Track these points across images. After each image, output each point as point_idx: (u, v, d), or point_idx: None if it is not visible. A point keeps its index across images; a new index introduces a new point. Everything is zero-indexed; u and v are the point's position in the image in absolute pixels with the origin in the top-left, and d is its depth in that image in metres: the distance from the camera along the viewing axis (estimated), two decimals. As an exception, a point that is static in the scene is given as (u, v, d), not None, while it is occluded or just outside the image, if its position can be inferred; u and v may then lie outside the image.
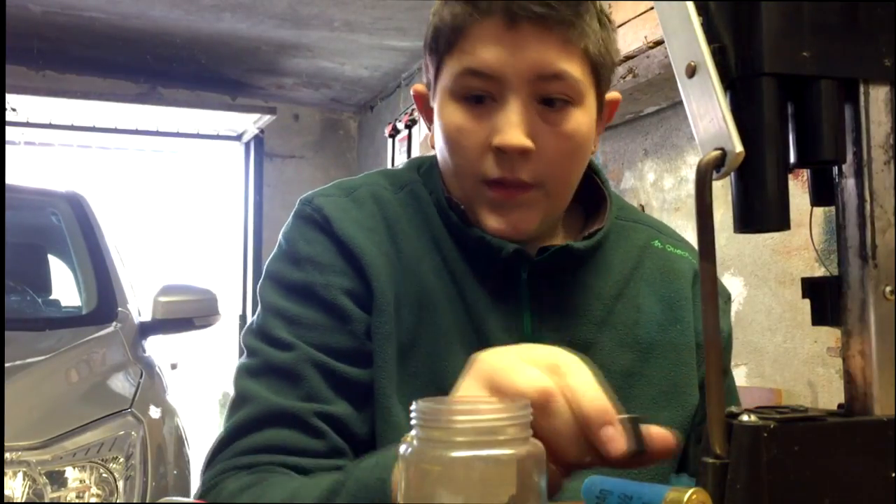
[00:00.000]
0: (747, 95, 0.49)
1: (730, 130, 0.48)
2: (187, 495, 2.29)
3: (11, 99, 4.56)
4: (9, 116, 4.73)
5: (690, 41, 0.50)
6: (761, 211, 0.49)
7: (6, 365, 2.04)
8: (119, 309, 2.71)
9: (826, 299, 0.51)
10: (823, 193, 0.53)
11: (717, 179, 0.48)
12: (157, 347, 2.81)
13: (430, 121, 0.93)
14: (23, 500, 1.84)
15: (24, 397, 2.02)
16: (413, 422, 0.47)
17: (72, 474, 1.92)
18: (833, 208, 0.52)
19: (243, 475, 0.80)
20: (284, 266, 0.90)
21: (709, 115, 0.49)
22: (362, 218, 0.90)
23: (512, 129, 0.82)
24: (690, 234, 0.99)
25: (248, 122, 5.24)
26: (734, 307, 2.38)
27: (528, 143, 0.83)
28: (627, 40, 2.36)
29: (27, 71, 4.70)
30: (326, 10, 3.89)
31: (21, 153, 5.14)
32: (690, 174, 2.66)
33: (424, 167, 0.97)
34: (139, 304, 2.94)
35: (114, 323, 2.61)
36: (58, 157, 5.32)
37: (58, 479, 1.90)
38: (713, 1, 0.50)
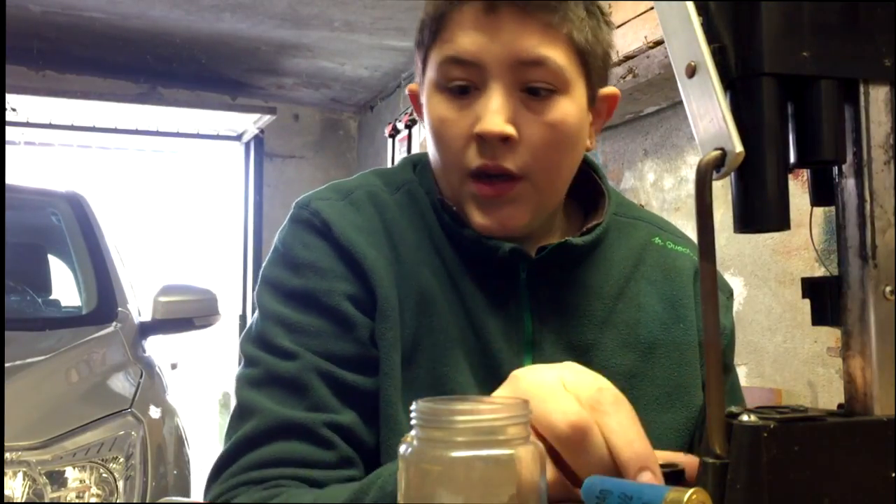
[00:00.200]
0: (747, 95, 0.49)
1: (730, 130, 0.48)
2: (187, 495, 2.29)
3: (11, 99, 4.55)
4: (9, 116, 4.73)
5: (690, 41, 0.50)
6: (761, 211, 0.49)
7: (6, 365, 2.05)
8: (119, 309, 2.71)
9: (826, 299, 0.51)
10: (823, 193, 0.53)
11: (717, 179, 0.48)
12: (157, 347, 2.81)
13: (423, 118, 0.92)
14: (23, 500, 1.84)
15: (24, 397, 2.02)
16: (413, 422, 0.47)
17: (72, 474, 1.92)
18: (833, 208, 0.52)
19: (255, 491, 0.77)
20: (283, 272, 0.88)
21: (709, 115, 0.49)
22: (361, 222, 0.88)
23: (492, 115, 0.81)
24: (690, 234, 0.99)
25: (248, 122, 5.24)
26: (734, 307, 2.37)
27: (508, 129, 0.81)
28: (627, 40, 2.36)
29: (27, 71, 4.70)
30: (326, 10, 3.89)
31: (21, 153, 5.14)
32: (690, 174, 2.66)
33: (419, 166, 0.95)
34: (139, 304, 2.94)
35: (114, 323, 2.61)
36: (58, 157, 5.31)
37: (58, 479, 1.90)
38: (713, 1, 0.50)
